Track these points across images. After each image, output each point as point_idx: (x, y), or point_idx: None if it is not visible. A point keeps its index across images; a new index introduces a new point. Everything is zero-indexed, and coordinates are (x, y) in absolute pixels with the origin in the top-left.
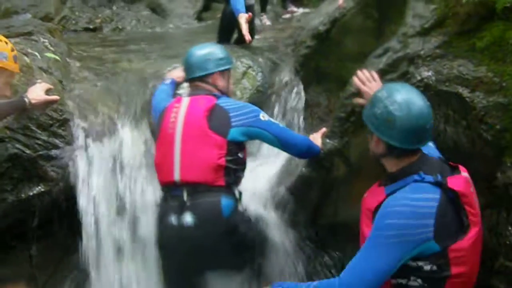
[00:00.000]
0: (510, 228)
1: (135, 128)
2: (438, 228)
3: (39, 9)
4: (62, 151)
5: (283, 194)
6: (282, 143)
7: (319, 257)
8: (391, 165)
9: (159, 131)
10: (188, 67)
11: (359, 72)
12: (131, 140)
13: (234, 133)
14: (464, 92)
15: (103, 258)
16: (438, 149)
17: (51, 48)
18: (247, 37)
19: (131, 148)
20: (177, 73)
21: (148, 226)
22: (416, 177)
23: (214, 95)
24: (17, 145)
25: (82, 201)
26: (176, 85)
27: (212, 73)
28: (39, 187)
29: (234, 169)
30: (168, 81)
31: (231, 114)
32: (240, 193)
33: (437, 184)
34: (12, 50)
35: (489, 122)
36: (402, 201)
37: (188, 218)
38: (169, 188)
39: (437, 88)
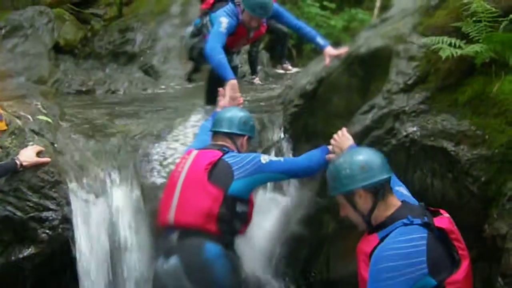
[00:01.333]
0: (500, 280)
1: (126, 188)
2: (431, 264)
3: (33, 72)
4: (53, 213)
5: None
6: (291, 175)
7: None
8: (381, 214)
9: (168, 179)
10: (223, 121)
11: (335, 135)
12: (122, 200)
13: (237, 185)
14: (449, 146)
15: None
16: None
17: (44, 111)
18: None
19: (123, 208)
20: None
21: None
22: (405, 220)
23: (222, 150)
24: (8, 207)
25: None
26: None
27: (243, 136)
28: (30, 249)
29: (228, 219)
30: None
31: (233, 168)
32: (232, 242)
33: (425, 225)
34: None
35: (474, 175)
36: (390, 245)
37: (173, 260)
38: (165, 230)
39: (423, 143)
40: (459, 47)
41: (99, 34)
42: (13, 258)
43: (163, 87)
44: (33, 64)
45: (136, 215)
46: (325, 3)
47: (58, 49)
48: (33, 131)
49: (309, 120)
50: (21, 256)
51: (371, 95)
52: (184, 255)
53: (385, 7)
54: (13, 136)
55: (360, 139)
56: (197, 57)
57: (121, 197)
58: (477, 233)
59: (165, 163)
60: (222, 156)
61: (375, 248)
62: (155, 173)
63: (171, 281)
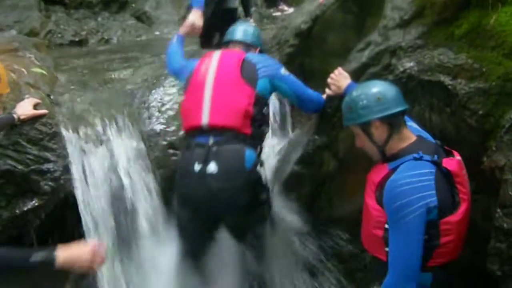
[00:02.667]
0: (498, 211)
1: (125, 136)
2: (439, 198)
3: (24, 24)
4: (54, 164)
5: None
6: (298, 97)
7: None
8: (395, 145)
9: (188, 84)
10: (238, 31)
11: (331, 74)
12: (122, 148)
13: (261, 84)
14: (446, 80)
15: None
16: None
17: (38, 63)
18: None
19: (123, 156)
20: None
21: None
22: (415, 155)
23: (243, 52)
24: (9, 161)
25: (80, 211)
26: (183, 40)
27: (255, 46)
28: (33, 202)
29: (259, 121)
30: (175, 39)
31: (257, 66)
32: (261, 149)
33: (434, 163)
34: None
35: (472, 108)
36: (400, 181)
37: (212, 166)
38: (195, 135)
39: (420, 77)
40: None
41: None
42: (17, 211)
43: (157, 33)
44: (24, 16)
45: (137, 162)
46: None
47: (48, 0)
48: (28, 84)
49: (305, 60)
50: (25, 208)
51: (367, 31)
52: (224, 161)
53: None
54: (8, 90)
55: (357, 76)
56: None
57: (121, 145)
58: (476, 165)
59: (163, 109)
60: (245, 55)
61: (383, 178)
62: (154, 120)
63: (207, 189)
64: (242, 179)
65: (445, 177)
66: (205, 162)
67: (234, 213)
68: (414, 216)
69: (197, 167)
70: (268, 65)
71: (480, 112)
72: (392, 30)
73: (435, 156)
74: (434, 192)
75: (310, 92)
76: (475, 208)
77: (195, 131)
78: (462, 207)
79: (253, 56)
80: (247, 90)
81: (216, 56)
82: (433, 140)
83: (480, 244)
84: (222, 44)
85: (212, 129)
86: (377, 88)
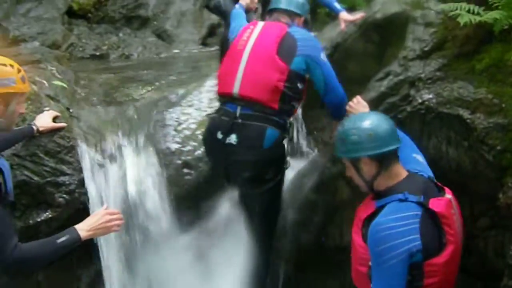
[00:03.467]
0: None
1: (141, 153)
2: (424, 241)
3: (47, 36)
4: (69, 177)
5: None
6: (327, 86)
7: None
8: (383, 182)
9: (229, 48)
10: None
11: (350, 102)
12: (137, 165)
13: (297, 62)
14: (465, 114)
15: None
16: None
17: (59, 76)
18: None
19: (137, 173)
20: None
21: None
22: (400, 196)
23: (287, 25)
24: (26, 172)
25: None
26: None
27: (299, 15)
28: (47, 213)
29: (290, 97)
30: (238, 5)
31: (298, 43)
32: (291, 124)
33: (419, 204)
34: (19, 71)
35: (490, 143)
36: (384, 225)
37: (232, 137)
38: (225, 101)
39: (438, 110)
40: (478, 13)
41: None
42: (31, 221)
43: (177, 51)
44: (47, 28)
45: (152, 181)
46: None
47: (71, 14)
48: (48, 96)
49: None
50: (38, 219)
51: (387, 61)
52: (245, 136)
53: None
54: (29, 102)
55: (375, 105)
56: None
57: (136, 162)
58: (491, 201)
59: (179, 128)
60: (288, 29)
61: (370, 215)
62: (170, 139)
63: (228, 156)
64: (257, 156)
65: (431, 219)
66: (228, 133)
67: (245, 183)
68: (397, 261)
69: (219, 135)
70: (309, 45)
71: (498, 147)
72: (412, 61)
73: (421, 197)
74: (418, 236)
75: (339, 87)
76: (488, 244)
77: (226, 98)
78: (449, 249)
79: (297, 31)
80: (281, 66)
81: (259, 27)
82: (425, 175)
83: (492, 281)
84: (266, 12)
85: (241, 99)
86: (371, 122)
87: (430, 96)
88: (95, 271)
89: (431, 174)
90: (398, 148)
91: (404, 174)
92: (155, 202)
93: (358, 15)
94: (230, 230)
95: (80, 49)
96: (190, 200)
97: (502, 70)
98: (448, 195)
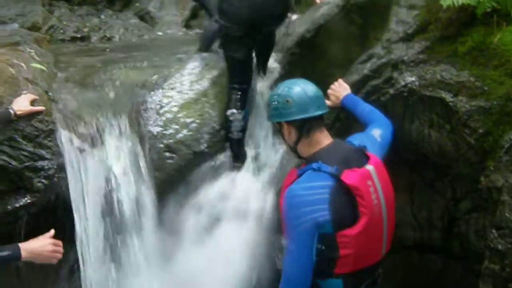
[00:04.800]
0: (494, 231)
1: (122, 137)
2: (333, 212)
3: (26, 18)
4: (48, 162)
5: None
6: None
7: None
8: (305, 149)
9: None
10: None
11: (332, 86)
12: (118, 149)
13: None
14: (447, 96)
15: (91, 263)
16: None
17: (38, 58)
18: None
19: (118, 157)
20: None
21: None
22: (314, 165)
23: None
24: (3, 157)
25: (73, 210)
26: None
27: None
28: (26, 199)
29: None
30: None
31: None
32: None
33: (332, 175)
34: None
35: (472, 126)
36: (295, 192)
37: None
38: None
39: (421, 93)
40: None
41: None
42: (9, 207)
43: (159, 33)
44: (27, 10)
45: (133, 164)
46: None
47: None
48: (27, 79)
49: (307, 69)
50: (17, 205)
51: (370, 44)
52: None
53: None
54: (6, 85)
55: (358, 88)
56: None
57: (117, 146)
58: (473, 184)
59: (161, 111)
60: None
61: (291, 183)
62: (152, 122)
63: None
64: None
65: (344, 190)
66: None
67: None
68: (303, 228)
69: None
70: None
71: (480, 130)
72: (395, 44)
73: (334, 168)
74: (326, 206)
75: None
76: (469, 227)
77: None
78: (362, 221)
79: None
80: None
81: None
82: (356, 144)
83: (473, 263)
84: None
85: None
86: (293, 89)
87: (413, 79)
88: (74, 258)
89: (370, 144)
90: (320, 116)
91: (326, 142)
92: (137, 186)
93: None
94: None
95: (61, 31)
96: (173, 184)
97: (485, 53)
98: (369, 166)
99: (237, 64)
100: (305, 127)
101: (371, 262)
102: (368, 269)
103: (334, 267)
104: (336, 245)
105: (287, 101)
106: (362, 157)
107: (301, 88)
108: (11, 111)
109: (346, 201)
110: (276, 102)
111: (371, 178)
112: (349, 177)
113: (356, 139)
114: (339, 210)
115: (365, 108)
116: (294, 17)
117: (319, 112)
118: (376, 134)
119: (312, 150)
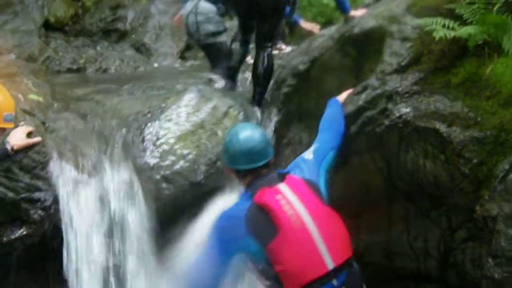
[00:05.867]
0: (490, 260)
1: (118, 168)
2: (251, 228)
3: (23, 49)
4: (45, 193)
5: None
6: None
7: None
8: (243, 183)
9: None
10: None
11: None
12: (114, 181)
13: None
14: (441, 127)
15: None
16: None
17: (34, 90)
18: None
19: (115, 189)
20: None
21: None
22: (242, 193)
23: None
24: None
25: (67, 241)
26: None
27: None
28: (22, 230)
29: None
30: None
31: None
32: None
33: (249, 198)
34: (7, 110)
35: (466, 156)
36: (221, 216)
37: None
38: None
39: (415, 124)
40: (453, 28)
41: (90, 11)
42: (5, 239)
43: (155, 65)
44: (23, 41)
45: (129, 195)
46: None
47: (48, 27)
48: (24, 110)
49: (302, 100)
50: (13, 237)
51: (364, 75)
52: None
53: None
54: None
55: (353, 119)
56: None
57: (114, 177)
58: (468, 214)
59: (158, 143)
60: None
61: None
62: (148, 153)
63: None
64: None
65: (259, 208)
66: None
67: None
68: (225, 238)
69: None
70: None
71: (474, 160)
72: (390, 75)
73: (249, 192)
74: (242, 222)
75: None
76: (466, 256)
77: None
78: (280, 232)
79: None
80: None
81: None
82: (281, 172)
83: None
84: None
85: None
86: (229, 140)
87: (408, 110)
88: None
89: (298, 167)
90: (253, 168)
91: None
92: (134, 218)
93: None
94: None
95: (57, 62)
96: (170, 215)
97: (477, 84)
98: (281, 184)
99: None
100: (239, 173)
101: (316, 275)
102: (319, 282)
103: (283, 286)
104: (269, 261)
105: (224, 149)
106: (280, 179)
107: (236, 139)
108: (8, 147)
109: (263, 218)
110: (222, 145)
111: (281, 193)
112: (259, 196)
113: (290, 166)
114: (256, 225)
115: (327, 114)
116: (288, 49)
117: (250, 167)
118: (307, 153)
119: (247, 182)
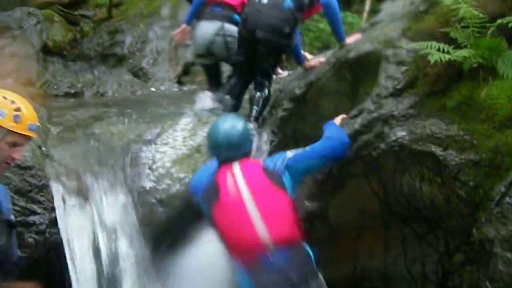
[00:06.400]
0: (488, 284)
1: (114, 192)
2: (203, 190)
3: (21, 74)
4: (40, 217)
5: None
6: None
7: None
8: None
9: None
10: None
11: None
12: (110, 204)
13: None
14: (437, 150)
15: None
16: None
17: None
18: None
19: (110, 212)
20: None
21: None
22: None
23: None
24: None
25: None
26: None
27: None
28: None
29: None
30: None
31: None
32: None
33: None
34: (17, 110)
35: (462, 180)
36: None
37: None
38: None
39: (411, 147)
40: (447, 52)
41: (88, 36)
42: None
43: (152, 89)
44: (21, 66)
45: (125, 220)
46: None
47: (46, 51)
48: None
49: (299, 124)
50: None
51: (360, 99)
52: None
53: (374, 11)
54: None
55: (350, 143)
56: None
57: (110, 201)
58: (465, 237)
59: (154, 166)
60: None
61: None
62: (144, 177)
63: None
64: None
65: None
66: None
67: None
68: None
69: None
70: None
71: (470, 183)
72: (385, 99)
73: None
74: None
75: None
76: (463, 280)
77: (256, 255)
78: (219, 200)
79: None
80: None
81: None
82: None
83: None
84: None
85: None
86: (212, 130)
87: (403, 133)
88: None
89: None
90: (231, 158)
91: None
92: (129, 242)
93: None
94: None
95: (55, 86)
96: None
97: (473, 107)
98: (236, 165)
99: None
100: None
101: (247, 244)
102: (252, 252)
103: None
104: (212, 220)
105: (206, 137)
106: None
107: (215, 131)
108: None
109: (212, 186)
110: None
111: (232, 171)
112: (218, 171)
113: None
114: (207, 189)
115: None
116: (285, 73)
117: (227, 156)
118: (291, 151)
119: None
